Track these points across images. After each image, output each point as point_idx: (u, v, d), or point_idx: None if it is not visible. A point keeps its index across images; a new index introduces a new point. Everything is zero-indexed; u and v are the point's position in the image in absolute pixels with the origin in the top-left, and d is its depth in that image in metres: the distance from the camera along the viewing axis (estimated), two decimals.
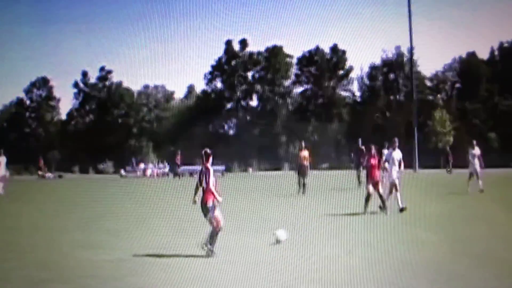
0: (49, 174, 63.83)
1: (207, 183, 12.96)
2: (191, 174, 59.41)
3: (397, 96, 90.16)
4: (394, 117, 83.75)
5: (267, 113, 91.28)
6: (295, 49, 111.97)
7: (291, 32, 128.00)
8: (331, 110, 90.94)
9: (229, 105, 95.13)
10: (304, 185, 28.49)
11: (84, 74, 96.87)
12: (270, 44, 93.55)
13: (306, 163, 29.41)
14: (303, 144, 30.95)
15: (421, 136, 67.57)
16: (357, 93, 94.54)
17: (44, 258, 12.69)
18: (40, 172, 62.77)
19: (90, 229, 17.20)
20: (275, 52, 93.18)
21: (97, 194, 31.62)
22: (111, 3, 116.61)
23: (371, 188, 20.33)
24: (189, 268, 11.37)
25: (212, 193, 12.88)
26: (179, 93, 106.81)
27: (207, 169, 13.17)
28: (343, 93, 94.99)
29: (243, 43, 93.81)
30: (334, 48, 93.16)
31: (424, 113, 77.98)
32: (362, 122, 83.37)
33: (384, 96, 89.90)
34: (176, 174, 51.60)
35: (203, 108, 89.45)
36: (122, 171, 64.50)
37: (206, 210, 12.85)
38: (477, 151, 28.66)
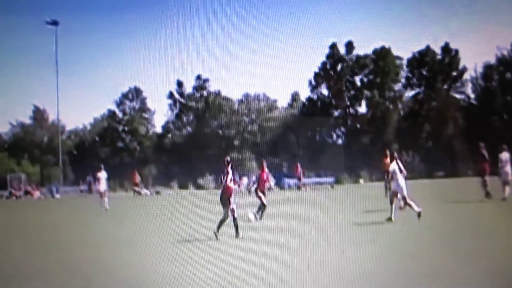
0: (145, 191, 63.16)
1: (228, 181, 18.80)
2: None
3: None
4: None
5: (377, 120, 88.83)
6: (403, 50, 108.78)
7: (398, 32, 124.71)
8: (445, 114, 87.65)
9: (336, 113, 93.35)
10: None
11: (179, 84, 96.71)
12: (377, 45, 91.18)
13: None
14: (387, 151, 29.26)
15: None
16: (472, 95, 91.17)
17: (136, 275, 13.11)
18: (136, 189, 61.88)
19: (183, 245, 17.41)
20: (383, 54, 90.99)
21: (195, 210, 30.43)
22: (210, 15, 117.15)
23: None
24: None
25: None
26: (282, 102, 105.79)
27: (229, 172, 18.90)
28: (457, 96, 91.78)
29: (349, 45, 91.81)
30: (446, 48, 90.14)
31: None
32: (477, 125, 79.97)
33: (501, 97, 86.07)
34: (299, 187, 51.72)
35: (309, 116, 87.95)
36: None
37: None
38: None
